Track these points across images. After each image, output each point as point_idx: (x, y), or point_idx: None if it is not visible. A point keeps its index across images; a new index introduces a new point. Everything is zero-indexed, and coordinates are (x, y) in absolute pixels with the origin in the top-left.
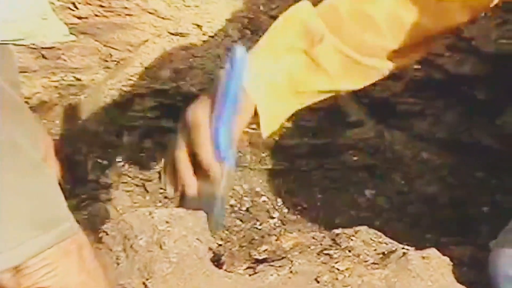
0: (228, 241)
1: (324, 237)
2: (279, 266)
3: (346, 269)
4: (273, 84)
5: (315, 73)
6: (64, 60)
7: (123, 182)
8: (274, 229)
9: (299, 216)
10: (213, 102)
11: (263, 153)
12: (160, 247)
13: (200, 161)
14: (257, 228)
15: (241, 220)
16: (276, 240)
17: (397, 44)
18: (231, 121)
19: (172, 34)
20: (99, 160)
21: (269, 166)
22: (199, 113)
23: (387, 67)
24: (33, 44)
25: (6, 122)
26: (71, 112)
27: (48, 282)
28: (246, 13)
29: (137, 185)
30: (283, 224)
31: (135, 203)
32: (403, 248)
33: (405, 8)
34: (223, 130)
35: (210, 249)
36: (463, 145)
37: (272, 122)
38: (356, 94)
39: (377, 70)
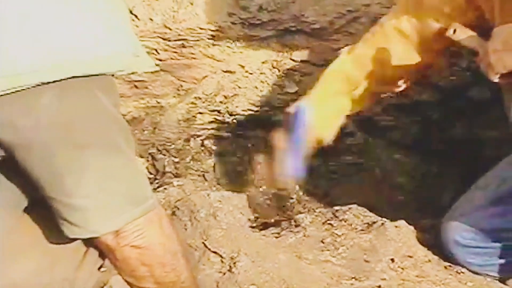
0: (261, 215)
1: (327, 212)
2: (296, 232)
3: (342, 234)
4: (325, 113)
5: (353, 104)
6: (149, 89)
7: (189, 173)
8: (293, 207)
9: (310, 198)
10: (288, 135)
11: None
12: (215, 218)
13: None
14: (281, 206)
15: (270, 200)
16: (295, 214)
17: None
18: (301, 146)
19: (224, 71)
20: (173, 158)
21: None
22: (279, 140)
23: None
24: (128, 77)
25: (112, 131)
26: (154, 125)
27: (138, 242)
28: (275, 57)
29: (199, 175)
30: (299, 203)
31: (197, 187)
32: (381, 220)
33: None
34: (294, 154)
35: (249, 219)
36: (423, 149)
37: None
38: (349, 115)
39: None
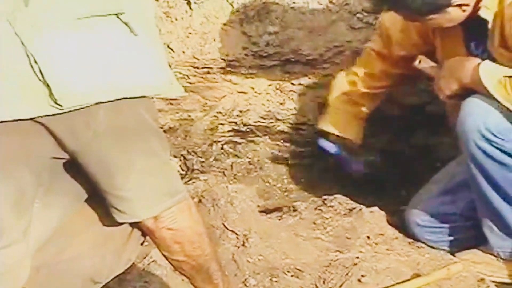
0: (267, 202)
1: (318, 200)
2: (294, 215)
3: (330, 217)
4: (344, 119)
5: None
6: (182, 105)
7: (212, 170)
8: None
9: (305, 189)
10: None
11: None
12: (231, 204)
13: None
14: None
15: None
16: (293, 201)
17: None
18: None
19: (239, 92)
20: (199, 159)
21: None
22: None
23: None
24: (166, 98)
25: (152, 139)
26: (185, 133)
27: (172, 225)
28: (278, 81)
29: (219, 172)
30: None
31: (218, 181)
32: (360, 206)
33: None
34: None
35: (258, 206)
36: (392, 152)
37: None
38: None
39: None
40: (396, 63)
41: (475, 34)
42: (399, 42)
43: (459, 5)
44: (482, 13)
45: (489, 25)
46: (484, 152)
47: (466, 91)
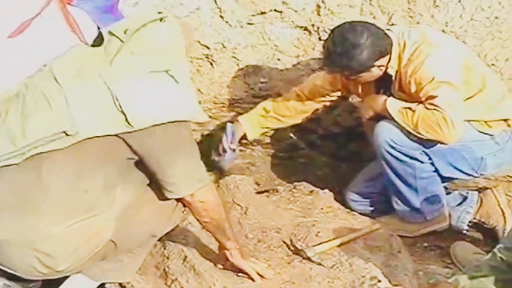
0: (260, 187)
1: (291, 185)
2: (276, 194)
3: (298, 196)
4: (254, 124)
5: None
6: (207, 127)
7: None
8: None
9: (283, 178)
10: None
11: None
12: (238, 188)
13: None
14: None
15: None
16: (276, 186)
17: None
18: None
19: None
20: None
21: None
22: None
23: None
24: (196, 122)
25: (188, 147)
26: (208, 145)
27: (201, 199)
28: None
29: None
30: (279, 181)
31: (230, 173)
32: (316, 189)
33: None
34: (225, 145)
35: (254, 189)
36: (337, 156)
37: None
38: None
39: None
40: (309, 104)
41: (384, 84)
42: (325, 90)
43: (379, 66)
44: (389, 70)
45: (393, 78)
46: (390, 154)
47: (378, 116)
